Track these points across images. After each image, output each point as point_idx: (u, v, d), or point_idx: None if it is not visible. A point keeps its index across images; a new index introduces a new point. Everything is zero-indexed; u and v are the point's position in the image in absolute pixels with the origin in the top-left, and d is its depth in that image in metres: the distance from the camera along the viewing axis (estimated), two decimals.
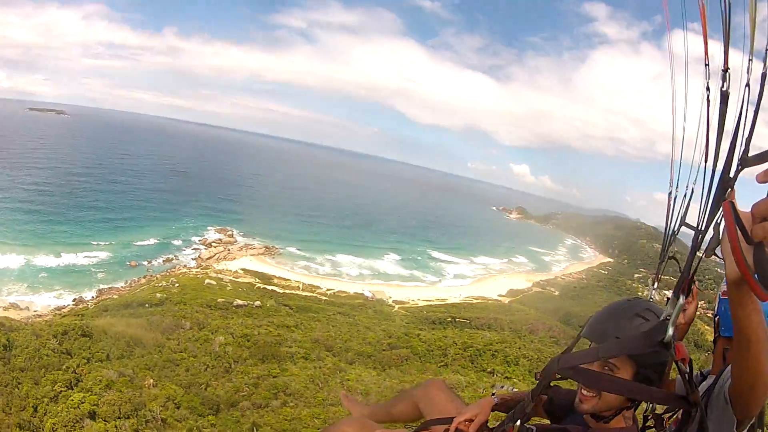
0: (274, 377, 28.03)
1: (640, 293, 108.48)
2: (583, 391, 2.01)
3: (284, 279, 58.77)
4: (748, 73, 1.36)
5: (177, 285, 47.91)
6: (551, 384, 2.06)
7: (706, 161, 1.62)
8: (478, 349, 46.16)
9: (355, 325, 44.57)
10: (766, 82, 1.25)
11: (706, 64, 1.62)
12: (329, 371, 29.86)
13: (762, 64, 1.24)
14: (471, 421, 2.37)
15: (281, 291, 53.41)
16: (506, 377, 40.68)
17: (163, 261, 57.42)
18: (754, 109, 1.31)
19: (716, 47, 1.43)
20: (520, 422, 1.97)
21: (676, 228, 2.67)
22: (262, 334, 34.11)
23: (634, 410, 2.07)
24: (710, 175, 1.46)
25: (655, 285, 2.82)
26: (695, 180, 2.34)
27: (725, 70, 1.44)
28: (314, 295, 54.63)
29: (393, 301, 58.87)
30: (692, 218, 2.18)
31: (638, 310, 1.91)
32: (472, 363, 43.43)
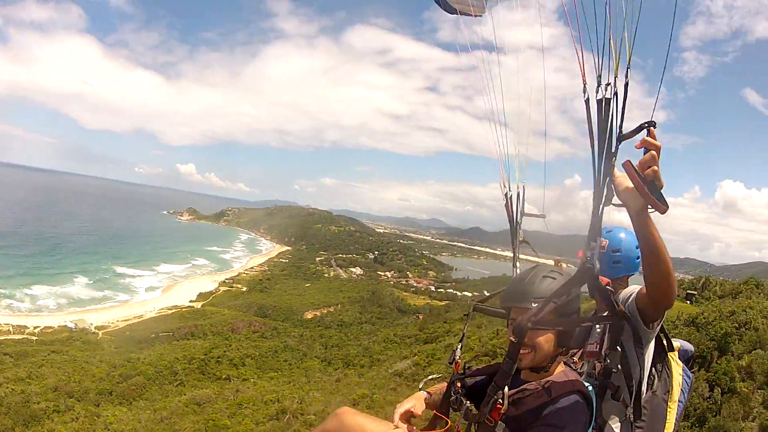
0: None
1: (326, 275, 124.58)
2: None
3: None
4: (626, 77, 2.01)
5: None
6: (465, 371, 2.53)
7: (592, 144, 2.03)
8: (201, 359, 49.33)
9: (73, 361, 42.42)
10: (628, 89, 1.99)
11: (598, 75, 2.06)
12: (87, 419, 29.33)
13: (625, 74, 1.99)
14: (411, 411, 2.51)
15: None
16: (244, 379, 44.33)
17: None
18: (622, 105, 2.00)
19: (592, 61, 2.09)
20: (507, 388, 2.18)
21: (519, 218, 3.28)
22: (7, 394, 30.90)
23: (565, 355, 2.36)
24: (598, 152, 2.04)
25: (518, 269, 3.13)
26: (524, 180, 3.26)
27: (598, 78, 2.05)
28: (25, 336, 50.51)
29: (96, 328, 56.31)
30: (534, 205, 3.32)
31: (545, 273, 2.29)
32: (204, 374, 46.13)
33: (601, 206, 2.03)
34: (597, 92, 2.02)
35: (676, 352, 3.06)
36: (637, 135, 1.95)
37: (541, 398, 2.20)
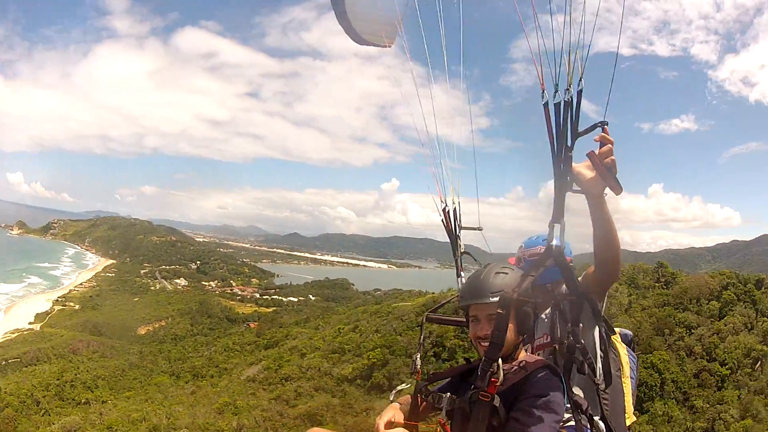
0: None
1: (152, 288, 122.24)
2: (483, 342, 2.48)
3: None
4: (579, 85, 2.30)
5: None
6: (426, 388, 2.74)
7: (551, 139, 2.31)
8: (57, 384, 51.11)
9: None
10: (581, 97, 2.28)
11: (555, 84, 2.30)
12: None
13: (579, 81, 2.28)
14: (391, 421, 2.60)
15: None
16: (103, 401, 47.62)
17: None
18: (577, 108, 2.28)
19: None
20: (499, 365, 2.36)
21: (458, 232, 3.52)
22: None
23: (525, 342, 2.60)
24: (556, 148, 2.30)
25: (462, 278, 3.41)
26: (458, 193, 3.53)
27: (555, 86, 2.31)
28: None
29: None
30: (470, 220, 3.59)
31: (497, 270, 2.54)
32: (63, 400, 48.48)
33: (563, 193, 2.32)
34: (554, 97, 2.28)
35: (618, 336, 3.34)
36: (590, 132, 2.31)
37: (520, 374, 2.39)
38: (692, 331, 60.48)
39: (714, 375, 54.09)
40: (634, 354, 3.45)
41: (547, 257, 2.47)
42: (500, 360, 2.38)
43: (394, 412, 2.68)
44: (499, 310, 2.38)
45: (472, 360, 2.80)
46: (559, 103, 2.28)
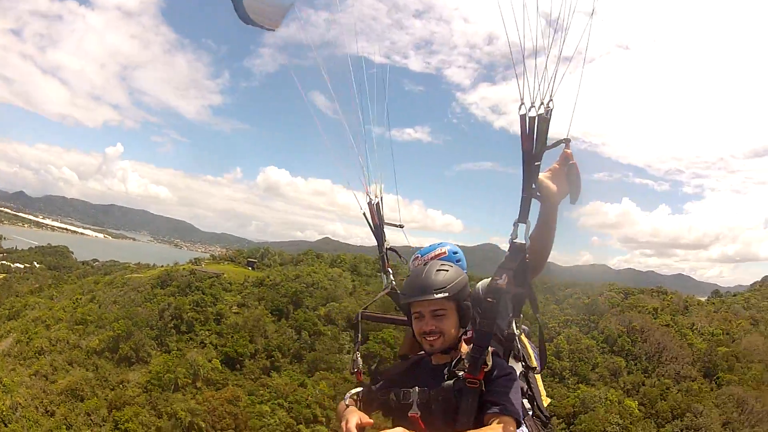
0: None
1: None
2: (429, 338, 2.63)
3: None
4: (549, 104, 2.49)
5: None
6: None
7: (523, 147, 2.49)
8: None
9: None
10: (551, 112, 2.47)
11: (531, 102, 2.48)
12: None
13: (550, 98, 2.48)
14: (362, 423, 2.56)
15: None
16: None
17: None
18: (547, 124, 2.49)
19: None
20: (488, 351, 2.50)
21: (382, 226, 3.69)
22: None
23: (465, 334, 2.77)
24: (527, 156, 2.49)
25: (390, 276, 3.66)
26: (382, 189, 3.69)
27: (532, 103, 2.49)
28: None
29: None
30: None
31: (438, 267, 2.71)
32: None
33: (530, 198, 2.54)
34: (529, 111, 2.46)
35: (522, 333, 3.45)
36: (555, 147, 2.56)
37: None
38: None
39: None
40: (533, 344, 3.58)
41: (521, 253, 2.58)
42: (489, 348, 2.50)
43: (358, 415, 2.58)
44: (488, 299, 2.50)
45: (409, 356, 3.02)
46: (534, 116, 2.46)
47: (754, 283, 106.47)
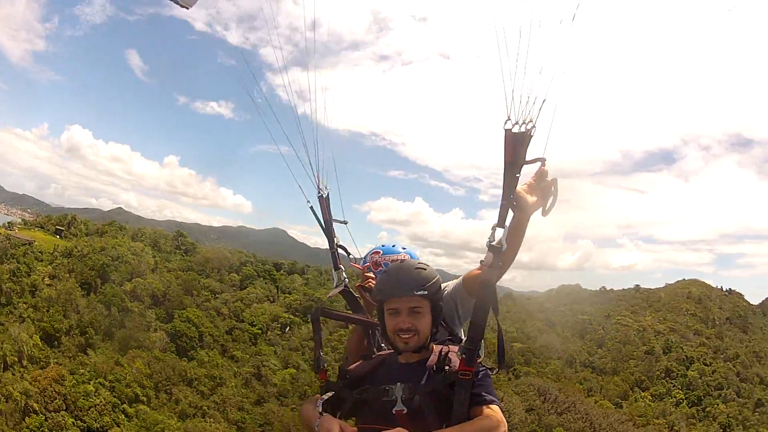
0: None
1: None
2: (404, 335, 2.65)
3: None
4: (539, 116, 2.55)
5: None
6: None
7: (506, 159, 2.60)
8: None
9: None
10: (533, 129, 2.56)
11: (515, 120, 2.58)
12: None
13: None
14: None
15: None
16: None
17: None
18: (528, 142, 2.59)
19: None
20: (482, 345, 2.58)
21: (332, 223, 3.57)
22: None
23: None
24: (509, 170, 2.60)
25: (343, 274, 3.53)
26: (328, 186, 3.58)
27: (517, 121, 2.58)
28: None
29: None
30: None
31: (415, 265, 2.79)
32: None
33: (508, 206, 2.64)
34: (512, 128, 2.57)
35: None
36: (532, 163, 2.69)
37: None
38: (217, 295, 78.28)
39: (246, 332, 74.64)
40: None
41: (500, 255, 2.64)
42: (483, 342, 2.56)
43: (338, 423, 2.54)
44: (481, 294, 2.58)
45: (372, 356, 2.95)
46: (517, 133, 2.57)
47: (550, 290, 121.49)
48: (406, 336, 2.63)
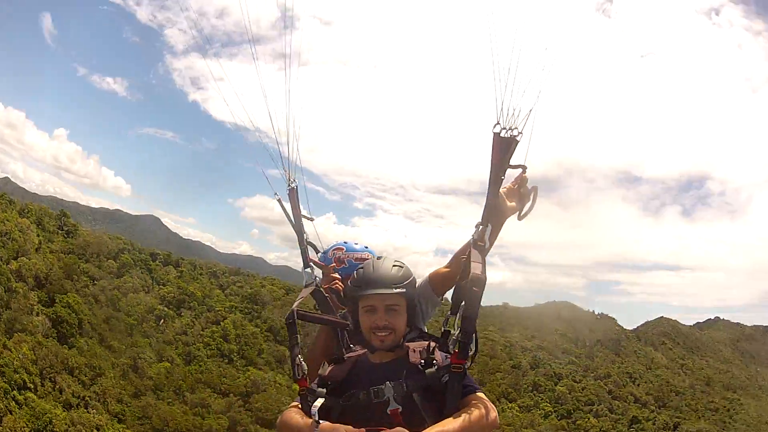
0: None
1: None
2: (380, 333, 2.63)
3: None
4: (524, 122, 2.67)
5: None
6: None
7: (493, 160, 2.72)
8: None
9: None
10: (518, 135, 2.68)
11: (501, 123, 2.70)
12: None
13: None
14: None
15: None
16: None
17: None
18: (515, 147, 2.70)
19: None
20: (475, 338, 2.61)
21: (300, 219, 3.47)
22: None
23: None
24: (492, 174, 2.72)
25: (310, 268, 3.42)
26: (300, 179, 3.49)
27: (510, 127, 2.69)
28: None
29: None
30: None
31: (393, 263, 2.79)
32: None
33: (492, 206, 2.75)
34: (501, 132, 2.67)
35: None
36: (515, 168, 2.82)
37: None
38: (95, 281, 75.66)
39: (122, 322, 72.63)
40: None
41: (485, 252, 2.71)
42: (476, 333, 2.57)
43: (346, 428, 2.40)
44: (474, 289, 2.56)
45: (346, 356, 2.86)
46: (507, 137, 2.67)
47: None
48: (383, 334, 2.62)
